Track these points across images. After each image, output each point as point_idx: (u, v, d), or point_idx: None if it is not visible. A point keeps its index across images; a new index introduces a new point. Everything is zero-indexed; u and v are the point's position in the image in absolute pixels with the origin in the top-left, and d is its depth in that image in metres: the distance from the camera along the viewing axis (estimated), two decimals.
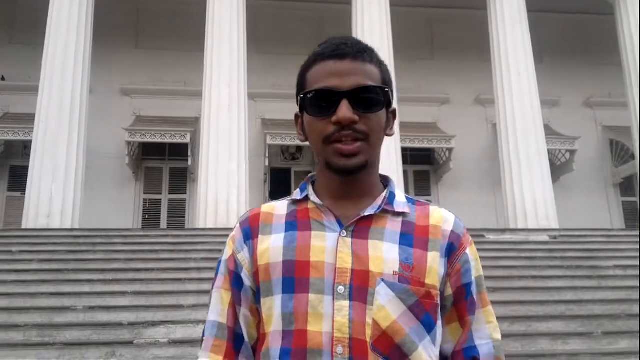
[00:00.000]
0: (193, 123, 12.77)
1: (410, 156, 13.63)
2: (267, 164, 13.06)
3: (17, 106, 12.69)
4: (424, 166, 14.33)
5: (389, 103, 1.09)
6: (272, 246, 1.08)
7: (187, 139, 12.52)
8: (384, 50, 11.36)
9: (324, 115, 1.05)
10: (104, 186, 12.37)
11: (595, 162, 14.36)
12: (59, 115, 10.21)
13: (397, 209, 1.09)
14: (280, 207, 1.13)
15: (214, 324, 1.10)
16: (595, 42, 14.48)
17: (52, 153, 9.84)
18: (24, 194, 9.86)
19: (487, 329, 1.10)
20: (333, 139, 1.04)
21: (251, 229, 1.12)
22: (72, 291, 6.62)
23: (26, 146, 11.95)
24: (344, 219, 1.07)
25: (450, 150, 13.41)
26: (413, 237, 1.07)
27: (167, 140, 12.59)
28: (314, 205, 1.10)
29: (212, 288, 1.14)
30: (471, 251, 1.11)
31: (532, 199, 10.72)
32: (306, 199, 1.12)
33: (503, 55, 11.75)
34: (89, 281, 6.90)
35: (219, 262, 1.15)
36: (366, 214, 1.06)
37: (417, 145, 13.28)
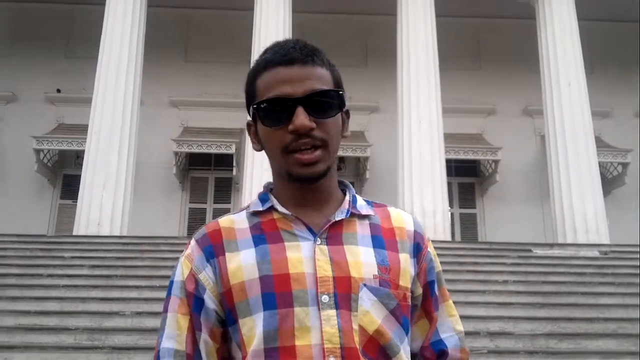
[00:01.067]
0: (238, 134, 12.98)
1: (455, 168, 13.46)
2: None
3: (71, 117, 13.23)
4: (469, 178, 14.11)
5: (342, 105, 1.06)
6: (243, 263, 1.01)
7: (232, 150, 12.75)
8: (429, 60, 11.31)
9: (279, 125, 1.01)
10: (152, 195, 12.71)
11: None
12: (110, 127, 10.57)
13: (362, 211, 1.08)
14: (239, 221, 1.08)
15: (170, 352, 1.02)
16: None
17: (104, 163, 10.18)
18: (76, 202, 10.23)
19: (450, 322, 1.12)
20: (291, 148, 1.00)
21: (213, 247, 1.05)
22: (121, 297, 6.81)
23: (79, 156, 12.41)
24: (314, 227, 1.04)
25: (496, 162, 13.17)
26: (383, 239, 1.06)
27: (213, 150, 12.86)
28: (280, 215, 1.05)
29: (165, 311, 1.05)
30: (431, 248, 1.13)
31: (582, 213, 10.39)
32: (269, 209, 1.07)
33: (553, 65, 11.48)
34: (136, 287, 7.08)
35: (171, 283, 1.06)
36: (337, 219, 1.04)
37: (462, 156, 13.10)
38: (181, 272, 1.06)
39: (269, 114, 1.02)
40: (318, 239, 1.02)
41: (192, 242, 1.08)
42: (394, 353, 1.01)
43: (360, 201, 1.11)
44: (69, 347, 5.65)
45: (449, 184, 12.10)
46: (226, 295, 1.02)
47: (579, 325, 6.44)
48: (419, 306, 1.10)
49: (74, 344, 5.72)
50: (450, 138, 11.90)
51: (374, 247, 1.05)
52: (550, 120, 11.39)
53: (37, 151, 12.68)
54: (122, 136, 10.51)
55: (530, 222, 12.51)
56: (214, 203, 13.67)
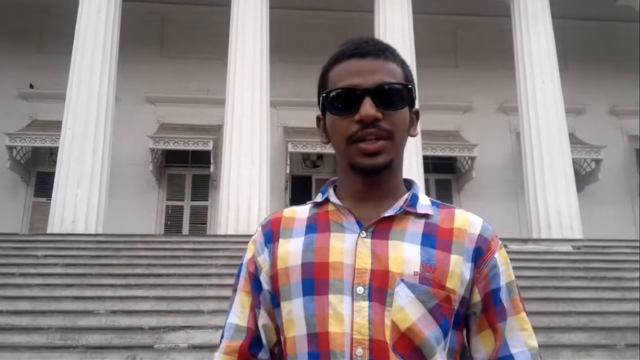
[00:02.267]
0: (216, 131, 12.90)
1: (432, 164, 13.55)
2: (288, 171, 13.12)
3: (44, 113, 12.98)
4: (445, 175, 14.23)
5: (412, 102, 1.08)
6: (291, 249, 1.07)
7: (210, 146, 12.66)
8: (407, 57, 11.19)
9: (346, 114, 1.03)
10: (128, 192, 12.56)
11: (621, 171, 14.09)
12: (85, 123, 10.40)
13: (420, 210, 1.07)
14: (301, 211, 1.13)
15: (233, 327, 1.09)
16: (621, 50, 14.26)
17: (78, 159, 10.02)
18: (50, 200, 10.06)
19: (521, 337, 1.05)
20: (356, 138, 1.02)
21: (272, 232, 1.11)
22: (95, 295, 6.73)
23: (52, 153, 12.21)
24: (364, 220, 1.05)
25: (472, 158, 13.30)
26: (436, 238, 1.05)
27: (190, 147, 12.74)
28: (333, 207, 1.09)
29: (233, 291, 1.13)
30: (501, 255, 1.08)
31: (556, 209, 10.56)
32: (327, 201, 1.11)
33: (527, 63, 11.63)
34: (111, 286, 7.01)
35: (240, 265, 1.14)
36: (387, 214, 1.05)
37: (439, 153, 13.20)
38: (247, 254, 1.14)
39: (337, 102, 1.05)
40: (363, 232, 1.04)
41: (259, 227, 1.15)
42: (429, 354, 0.99)
43: (423, 200, 1.10)
44: (41, 346, 5.57)
45: (426, 181, 12.26)
46: (274, 279, 1.08)
47: (552, 319, 6.56)
48: (478, 314, 1.06)
49: (46, 343, 5.64)
50: (427, 135, 11.98)
51: (423, 245, 1.03)
52: (525, 118, 11.54)
53: (10, 148, 12.43)
54: (96, 133, 10.34)
55: (506, 217, 12.65)
56: (192, 200, 13.56)
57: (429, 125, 12.22)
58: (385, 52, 1.07)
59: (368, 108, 1.01)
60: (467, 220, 1.08)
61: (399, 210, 1.06)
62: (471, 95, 14.40)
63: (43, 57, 13.39)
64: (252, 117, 10.76)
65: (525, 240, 9.87)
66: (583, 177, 13.27)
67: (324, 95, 1.08)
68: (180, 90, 13.74)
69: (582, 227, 10.54)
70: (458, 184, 14.09)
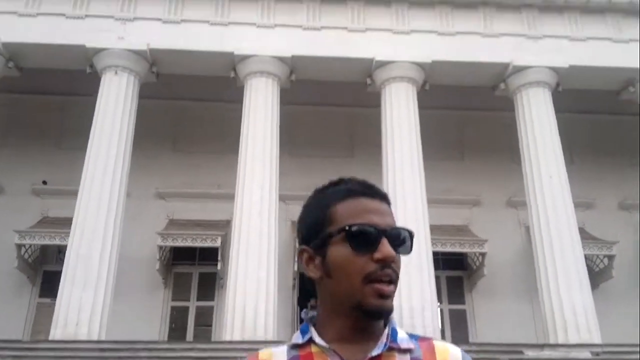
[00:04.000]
0: (224, 226, 12.89)
1: (443, 261, 13.37)
2: (295, 268, 12.95)
3: (56, 210, 13.03)
4: (456, 272, 13.97)
5: (412, 247, 1.11)
6: None
7: (218, 243, 12.59)
8: (413, 151, 11.50)
9: (366, 251, 1.02)
10: (134, 293, 12.30)
11: (635, 268, 13.74)
12: (95, 220, 10.46)
13: (402, 345, 1.05)
14: (279, 354, 1.07)
15: None
16: (627, 143, 14.36)
17: (86, 258, 9.98)
18: (54, 300, 9.92)
19: None
20: (374, 277, 1.01)
21: None
22: None
23: (60, 251, 12.18)
24: None
25: (483, 254, 13.08)
26: None
27: (198, 244, 12.67)
28: (318, 349, 1.04)
29: None
30: None
31: (572, 309, 10.23)
32: (309, 342, 1.06)
33: (534, 158, 11.71)
34: None
35: None
36: (374, 354, 1.02)
37: (448, 249, 13.02)
38: None
39: (358, 239, 1.03)
40: None
41: None
42: None
43: (401, 334, 1.08)
44: None
45: (437, 278, 11.97)
46: None
47: None
48: None
49: None
50: (436, 230, 11.88)
51: None
52: (534, 212, 11.47)
53: (19, 246, 12.36)
54: (105, 230, 10.37)
55: (521, 318, 12.30)
56: (197, 300, 13.25)
57: (437, 220, 12.17)
58: (387, 196, 1.11)
59: (390, 248, 1.01)
60: (447, 351, 1.07)
61: (384, 347, 1.04)
62: (479, 189, 14.41)
63: (61, 153, 13.62)
64: (261, 214, 10.78)
65: (541, 346, 9.54)
66: (597, 275, 12.95)
67: (345, 229, 1.05)
68: (191, 184, 13.88)
69: (600, 328, 10.16)
70: (470, 281, 13.77)
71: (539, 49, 12.38)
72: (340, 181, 1.14)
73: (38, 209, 13.44)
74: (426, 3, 12.46)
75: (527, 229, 12.76)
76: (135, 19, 11.87)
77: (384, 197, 1.09)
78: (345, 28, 12.20)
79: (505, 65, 12.25)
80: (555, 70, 12.23)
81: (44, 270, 13.17)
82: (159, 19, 11.93)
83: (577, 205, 11.93)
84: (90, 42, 11.54)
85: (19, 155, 13.73)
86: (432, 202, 11.54)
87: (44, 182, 13.66)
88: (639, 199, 14.14)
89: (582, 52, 12.41)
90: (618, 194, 14.46)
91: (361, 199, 1.07)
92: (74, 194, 10.99)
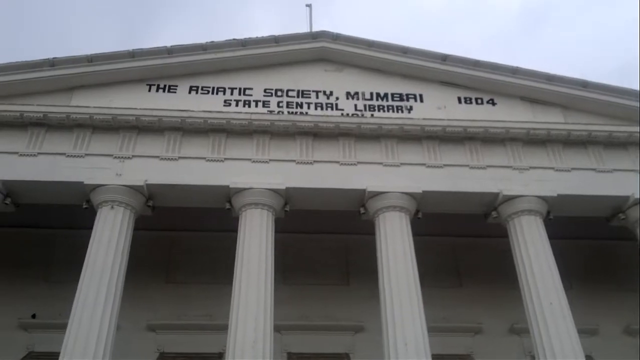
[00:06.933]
0: (216, 359, 12.38)
1: None
2: None
3: (42, 344, 12.60)
4: None
5: None
6: None
7: None
8: (410, 278, 11.35)
9: None
10: None
11: None
12: (83, 355, 10.02)
13: None
14: None
15: None
16: (624, 268, 14.33)
17: None
18: None
19: None
20: None
21: None
22: None
23: None
24: None
25: None
26: None
27: None
28: None
29: None
30: None
31: None
32: None
33: (532, 285, 11.55)
34: None
35: None
36: None
37: None
38: None
39: None
40: None
41: None
42: None
43: None
44: None
45: None
46: None
47: None
48: None
49: None
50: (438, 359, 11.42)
51: None
52: (537, 341, 11.09)
53: None
54: None
55: None
56: None
57: (439, 349, 11.72)
58: None
59: None
60: None
61: None
62: (480, 316, 14.08)
63: (48, 287, 13.45)
64: (255, 345, 10.39)
65: None
66: None
67: None
68: (182, 316, 13.53)
69: None
70: None
71: (527, 179, 12.71)
72: None
73: (24, 343, 12.97)
74: (414, 138, 13.00)
75: (533, 357, 12.26)
76: (133, 156, 12.19)
77: None
78: (338, 162, 12.59)
79: (495, 195, 12.51)
80: (544, 199, 12.46)
81: None
82: (156, 157, 12.26)
83: (581, 331, 11.55)
84: (89, 179, 11.71)
85: (5, 289, 13.49)
86: (432, 330, 11.19)
87: (33, 316, 13.31)
88: None
89: (568, 182, 12.73)
90: (621, 320, 14.14)
91: None
92: (62, 327, 10.63)
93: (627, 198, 12.62)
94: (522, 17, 55.14)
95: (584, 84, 14.17)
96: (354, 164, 12.61)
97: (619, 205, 12.80)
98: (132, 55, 13.58)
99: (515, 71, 14.22)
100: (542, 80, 14.15)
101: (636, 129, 13.37)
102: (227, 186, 12.00)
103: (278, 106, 13.51)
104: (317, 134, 12.84)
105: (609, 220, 13.22)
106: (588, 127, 13.37)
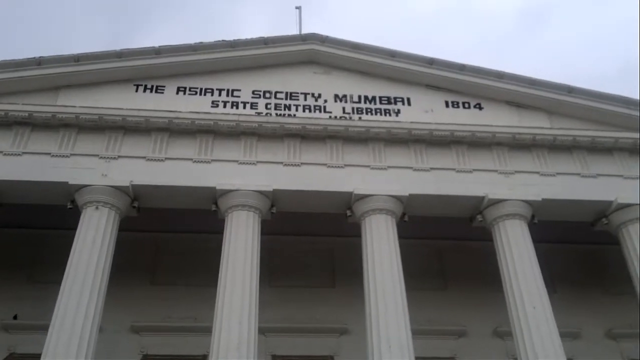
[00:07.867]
0: None
1: None
2: None
3: (24, 346, 12.46)
4: None
5: None
6: None
7: None
8: (395, 281, 11.38)
9: None
10: None
11: None
12: (65, 356, 9.93)
13: None
14: None
15: None
16: (608, 272, 14.47)
17: None
18: None
19: None
20: None
21: None
22: None
23: None
24: None
25: None
26: None
27: None
28: None
29: None
30: None
31: None
32: None
33: (515, 289, 11.62)
34: None
35: None
36: None
37: None
38: None
39: None
40: None
41: None
42: None
43: None
44: None
45: None
46: None
47: None
48: None
49: None
50: None
51: None
52: (520, 344, 11.16)
53: None
54: None
55: None
56: None
57: (422, 352, 11.73)
58: None
59: None
60: None
61: None
62: (464, 319, 14.15)
63: (32, 287, 13.29)
64: (239, 348, 10.36)
65: None
66: None
67: None
68: (166, 318, 13.44)
69: None
70: None
71: (512, 183, 12.81)
72: None
73: (5, 345, 12.82)
74: (401, 141, 13.06)
75: None
76: (119, 157, 12.12)
77: None
78: (325, 164, 12.61)
79: (480, 199, 12.58)
80: (529, 203, 12.55)
81: None
82: (143, 157, 12.19)
83: (564, 335, 11.65)
84: (74, 180, 11.63)
85: None
86: (416, 332, 11.21)
87: (15, 317, 13.17)
88: (623, 328, 13.96)
89: (553, 187, 12.84)
90: (604, 324, 14.27)
91: None
92: (44, 328, 10.53)
93: (610, 203, 12.75)
94: (522, 18, 55.37)
95: (569, 89, 14.31)
96: (341, 167, 12.64)
97: (602, 210, 12.94)
98: (119, 55, 13.52)
99: (500, 75, 14.34)
100: (527, 85, 14.27)
101: (622, 134, 13.52)
102: (214, 187, 11.97)
103: (266, 108, 13.51)
104: (305, 136, 12.86)
105: (593, 224, 13.35)
106: (573, 132, 13.50)
